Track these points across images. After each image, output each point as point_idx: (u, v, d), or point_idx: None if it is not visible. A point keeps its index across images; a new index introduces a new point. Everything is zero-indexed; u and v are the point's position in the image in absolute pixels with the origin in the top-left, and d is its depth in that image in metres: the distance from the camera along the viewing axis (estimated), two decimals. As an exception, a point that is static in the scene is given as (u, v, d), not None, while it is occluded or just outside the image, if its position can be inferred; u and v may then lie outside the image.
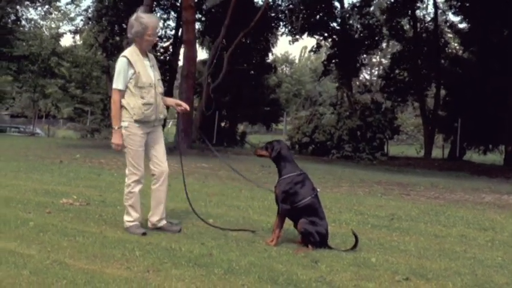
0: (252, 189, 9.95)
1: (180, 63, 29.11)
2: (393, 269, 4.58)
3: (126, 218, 5.64)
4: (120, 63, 5.52)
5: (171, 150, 18.83)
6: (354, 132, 22.83)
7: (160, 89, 5.72)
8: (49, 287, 3.72)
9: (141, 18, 5.53)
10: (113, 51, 33.04)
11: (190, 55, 21.20)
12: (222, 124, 34.28)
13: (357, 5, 29.51)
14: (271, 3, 30.21)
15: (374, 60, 57.85)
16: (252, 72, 34.32)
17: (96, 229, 5.56)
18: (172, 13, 33.76)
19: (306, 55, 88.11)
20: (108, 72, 37.55)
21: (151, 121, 5.60)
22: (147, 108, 5.50)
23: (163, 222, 5.75)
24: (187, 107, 5.97)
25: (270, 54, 37.56)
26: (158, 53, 34.35)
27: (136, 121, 5.49)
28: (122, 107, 5.53)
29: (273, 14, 31.28)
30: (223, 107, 32.81)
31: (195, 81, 22.48)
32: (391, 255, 5.11)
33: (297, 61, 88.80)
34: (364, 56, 33.07)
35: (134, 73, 5.46)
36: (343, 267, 4.58)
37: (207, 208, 7.27)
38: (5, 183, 8.80)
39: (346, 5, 31.14)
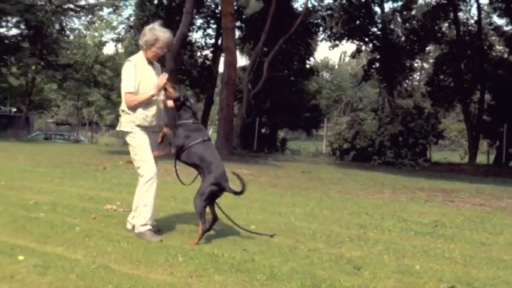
0: (294, 195, 9.95)
1: (221, 70, 29.37)
2: (438, 277, 4.51)
3: (138, 221, 5.61)
4: (127, 67, 5.64)
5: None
6: (396, 138, 22.54)
7: (162, 96, 5.77)
8: (95, 291, 3.79)
9: (155, 30, 5.65)
10: (155, 58, 33.49)
11: (231, 62, 21.34)
12: (263, 130, 34.33)
13: (398, 9, 29.23)
14: (311, 9, 30.16)
15: (416, 64, 57.08)
16: (292, 78, 34.30)
17: (139, 235, 5.62)
18: (212, 21, 34.03)
19: (346, 60, 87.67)
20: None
21: (152, 126, 5.70)
22: (148, 114, 5.61)
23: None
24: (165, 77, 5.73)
25: (309, 60, 37.52)
26: (199, 61, 34.71)
27: (137, 126, 5.62)
28: (123, 111, 5.67)
29: (312, 20, 31.23)
30: (263, 113, 32.88)
31: (235, 88, 22.62)
32: (435, 262, 5.02)
33: (336, 66, 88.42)
34: (408, 60, 32.62)
35: (137, 79, 5.59)
36: (386, 274, 4.53)
37: (248, 214, 7.28)
38: (51, 189, 9.01)
39: (386, 10, 30.90)
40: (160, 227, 5.98)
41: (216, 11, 32.67)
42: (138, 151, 5.64)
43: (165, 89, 5.72)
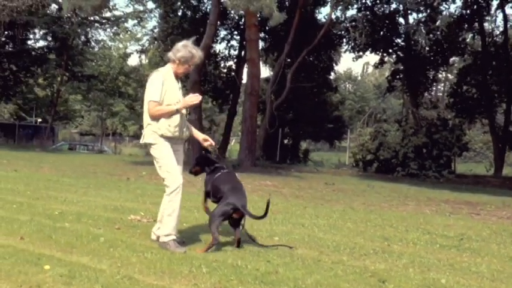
0: (317, 206, 9.91)
1: (244, 81, 29.45)
2: (465, 291, 4.44)
3: (162, 231, 5.62)
4: (156, 76, 5.69)
5: (234, 167, 19.05)
6: (420, 150, 22.36)
7: (185, 110, 5.79)
8: (120, 301, 3.81)
9: (189, 47, 5.72)
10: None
11: (254, 73, 21.40)
12: (285, 141, 34.30)
13: (422, 20, 29.01)
14: (335, 20, 30.12)
15: (440, 75, 56.59)
16: (315, 89, 34.26)
17: (156, 245, 5.63)
18: (236, 32, 34.19)
19: (369, 71, 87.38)
20: (174, 91, 38.34)
21: (175, 138, 5.70)
22: (171, 124, 5.61)
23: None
24: (213, 143, 6.04)
25: (333, 72, 37.46)
26: (222, 72, 34.86)
27: (161, 136, 5.62)
28: (147, 123, 5.70)
29: (336, 31, 31.18)
30: (286, 124, 32.86)
31: (258, 99, 22.66)
32: (462, 276, 4.95)
33: (359, 77, 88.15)
34: (432, 72, 32.34)
35: (163, 90, 5.63)
36: (411, 287, 4.48)
37: (271, 226, 7.26)
38: (76, 199, 9.10)
39: (411, 21, 30.70)
40: (184, 237, 5.99)
41: (240, 22, 32.80)
42: (163, 162, 5.65)
43: None
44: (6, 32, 35.30)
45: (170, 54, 5.77)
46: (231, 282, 4.36)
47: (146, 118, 5.71)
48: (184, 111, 5.76)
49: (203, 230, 6.64)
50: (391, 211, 9.83)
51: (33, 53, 39.15)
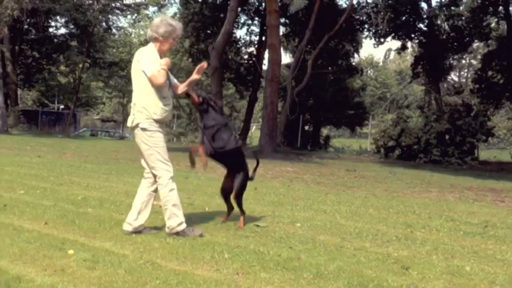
0: (338, 193, 9.87)
1: (265, 67, 29.35)
2: (490, 279, 4.38)
3: (173, 222, 5.40)
4: (150, 50, 5.43)
5: (255, 153, 19.06)
6: (443, 136, 22.11)
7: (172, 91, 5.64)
8: (143, 286, 3.83)
9: (169, 20, 5.55)
10: (199, 56, 33.76)
11: (275, 59, 21.29)
12: (306, 128, 34.19)
13: (445, 4, 28.55)
14: (356, 6, 29.81)
15: (463, 61, 55.87)
16: (336, 75, 34.04)
17: (185, 231, 5.64)
18: (257, 18, 34.03)
19: (391, 57, 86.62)
20: (194, 78, 38.42)
21: (166, 121, 5.60)
22: (167, 109, 5.44)
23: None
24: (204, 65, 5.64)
25: (354, 57, 37.16)
26: (243, 58, 34.78)
27: (156, 121, 5.39)
28: (139, 107, 5.41)
29: (357, 17, 30.88)
30: (307, 110, 32.74)
31: (279, 85, 22.57)
32: (487, 264, 4.88)
33: (381, 63, 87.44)
34: (454, 57, 31.89)
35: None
36: (435, 275, 4.43)
37: (293, 212, 7.24)
38: (98, 185, 9.17)
39: (433, 5, 30.25)
40: (206, 223, 6.00)
41: (260, 8, 32.65)
42: (158, 150, 5.42)
43: (188, 94, 5.68)
44: (28, 20, 35.60)
45: (150, 33, 5.48)
46: (253, 268, 4.36)
47: (140, 101, 5.41)
48: (170, 92, 5.58)
49: (224, 215, 6.65)
50: (414, 198, 9.74)
51: (55, 40, 39.47)
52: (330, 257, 4.82)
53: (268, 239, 5.49)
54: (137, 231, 5.44)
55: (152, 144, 5.40)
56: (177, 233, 5.37)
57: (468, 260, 5.01)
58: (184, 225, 5.42)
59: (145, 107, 5.36)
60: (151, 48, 5.47)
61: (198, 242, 5.12)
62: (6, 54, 34.30)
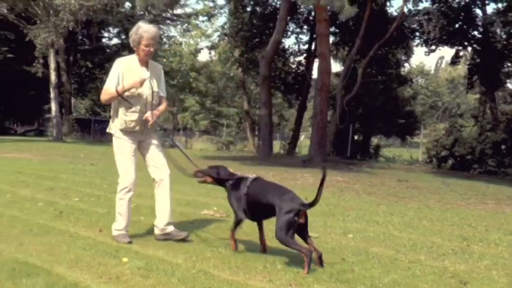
0: (390, 204, 9.69)
1: (314, 76, 29.23)
2: (554, 296, 4.20)
3: (114, 225, 5.56)
4: (115, 65, 5.49)
5: (304, 162, 18.95)
6: (498, 146, 21.51)
7: (155, 101, 5.54)
8: (196, 296, 3.83)
9: (139, 28, 5.49)
10: (248, 65, 33.93)
11: (325, 68, 21.16)
12: (356, 137, 33.84)
13: (501, 10, 27.78)
14: (407, 14, 29.39)
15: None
16: (386, 84, 33.60)
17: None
18: (305, 26, 33.97)
19: (443, 65, 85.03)
20: (244, 87, 38.65)
21: (136, 131, 5.53)
22: (130, 119, 5.44)
23: (171, 228, 5.57)
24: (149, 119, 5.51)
25: (404, 66, 36.65)
26: (292, 67, 34.75)
27: (121, 130, 5.50)
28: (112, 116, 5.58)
29: (408, 25, 30.43)
30: (356, 119, 32.41)
31: (329, 94, 22.43)
32: (551, 280, 4.68)
33: (432, 72, 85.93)
34: (509, 64, 30.96)
35: (124, 79, 5.42)
36: (496, 291, 4.28)
37: (345, 222, 7.14)
38: (149, 193, 9.19)
39: (489, 12, 29.50)
40: (258, 234, 5.97)
41: (310, 17, 32.58)
42: (117, 158, 5.64)
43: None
44: (83, 31, 36.57)
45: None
46: (306, 280, 4.30)
47: (112, 109, 5.61)
48: (154, 101, 5.51)
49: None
50: (469, 210, 9.48)
51: (107, 50, 40.45)
52: (384, 270, 4.72)
53: (320, 250, 5.41)
54: (165, 234, 5.53)
55: (114, 150, 5.65)
56: (113, 236, 5.47)
57: (530, 276, 4.81)
58: (118, 233, 5.47)
59: (113, 115, 5.58)
60: (128, 59, 5.61)
61: (250, 252, 5.10)
62: (61, 64, 35.29)
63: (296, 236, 4.75)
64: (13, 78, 36.97)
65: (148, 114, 5.44)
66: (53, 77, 31.67)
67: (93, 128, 41.16)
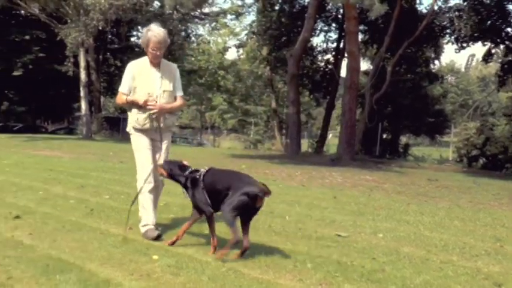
0: (421, 203, 9.58)
1: (342, 74, 29.05)
2: None
3: (140, 223, 5.65)
4: (127, 69, 5.66)
5: (333, 161, 18.84)
6: (531, 145, 21.16)
7: (164, 100, 5.58)
8: (227, 294, 3.83)
9: (148, 31, 5.55)
10: (276, 64, 33.88)
11: (354, 66, 21.00)
12: (385, 135, 33.57)
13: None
14: (437, 11, 28.98)
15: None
16: (416, 82, 33.23)
17: (266, 239, 5.62)
18: (334, 24, 33.78)
19: (474, 63, 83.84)
20: (272, 85, 38.62)
21: (148, 130, 5.60)
22: (141, 118, 5.54)
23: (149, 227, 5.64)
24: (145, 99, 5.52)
25: (434, 64, 36.20)
26: (320, 65, 34.60)
27: (134, 128, 5.64)
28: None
29: (438, 22, 30.02)
30: (385, 118, 32.14)
31: (357, 92, 22.26)
32: None
33: (463, 70, 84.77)
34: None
35: (135, 82, 5.57)
36: (531, 293, 4.19)
37: (375, 222, 7.08)
38: (179, 191, 9.23)
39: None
40: (287, 232, 5.95)
41: (338, 15, 32.38)
42: (135, 154, 5.72)
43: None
44: (112, 30, 36.92)
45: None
46: (336, 279, 4.28)
47: (127, 109, 5.74)
48: (163, 100, 5.57)
49: (306, 224, 6.59)
50: (502, 210, 9.31)
51: (136, 49, 40.69)
52: (416, 270, 4.67)
53: (350, 249, 5.38)
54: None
55: (134, 146, 5.72)
56: (142, 234, 5.55)
57: None
58: (146, 228, 5.55)
59: (129, 114, 5.69)
60: (140, 61, 5.74)
61: (280, 251, 5.08)
62: (91, 63, 35.70)
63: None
64: (44, 77, 37.57)
65: (155, 106, 5.49)
66: (82, 75, 32.09)
67: (122, 126, 41.52)
